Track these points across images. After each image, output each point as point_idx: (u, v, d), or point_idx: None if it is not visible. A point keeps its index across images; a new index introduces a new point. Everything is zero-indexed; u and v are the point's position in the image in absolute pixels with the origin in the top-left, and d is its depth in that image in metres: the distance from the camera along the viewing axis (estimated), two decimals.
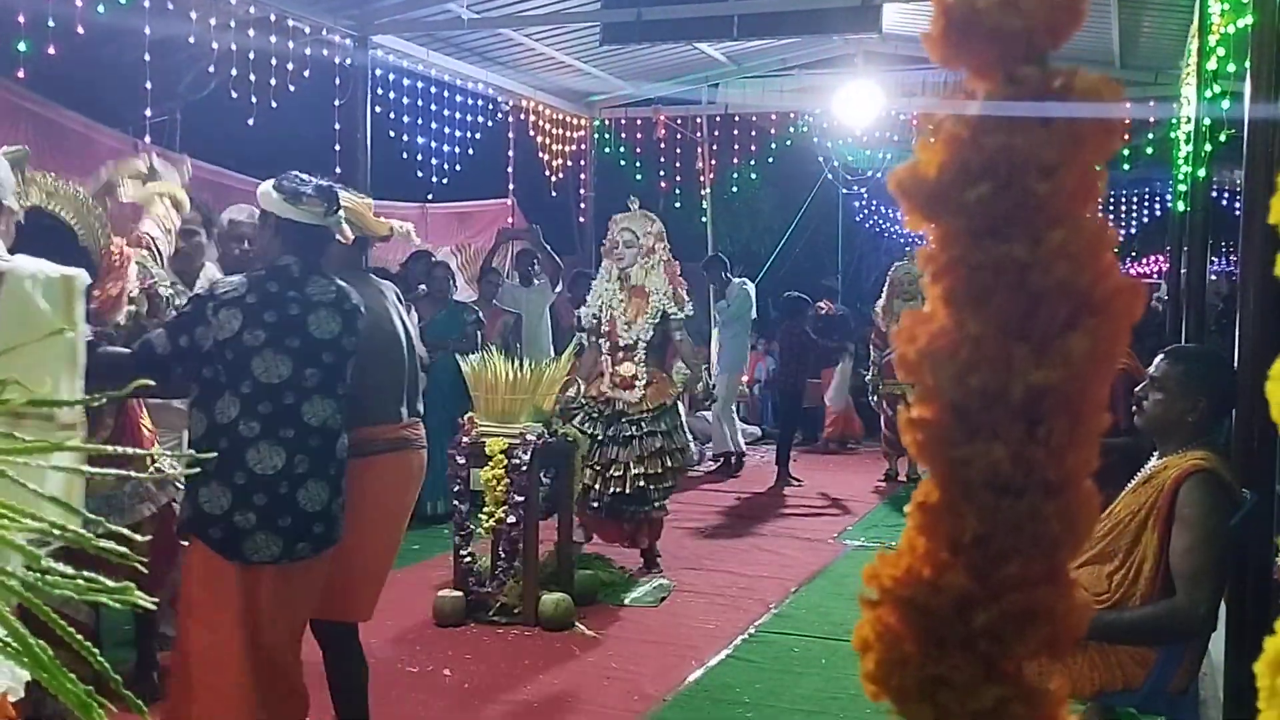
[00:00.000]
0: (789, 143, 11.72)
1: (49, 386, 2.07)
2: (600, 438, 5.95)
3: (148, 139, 7.77)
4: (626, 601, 5.65)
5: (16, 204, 2.64)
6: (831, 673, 4.68)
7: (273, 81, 7.86)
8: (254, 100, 7.81)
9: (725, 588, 5.97)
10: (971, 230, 0.65)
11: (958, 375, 0.63)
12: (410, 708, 4.15)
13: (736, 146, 11.80)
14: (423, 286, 8.13)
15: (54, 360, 2.19)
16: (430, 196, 10.34)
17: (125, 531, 1.05)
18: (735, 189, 12.21)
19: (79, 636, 0.98)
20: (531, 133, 11.13)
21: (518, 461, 5.18)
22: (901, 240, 17.30)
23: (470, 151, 10.19)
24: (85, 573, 1.00)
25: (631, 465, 5.88)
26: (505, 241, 9.35)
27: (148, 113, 7.69)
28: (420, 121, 9.64)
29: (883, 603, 0.65)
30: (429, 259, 8.65)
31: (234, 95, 7.80)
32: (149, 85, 7.56)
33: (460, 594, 5.24)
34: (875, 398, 9.58)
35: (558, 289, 9.11)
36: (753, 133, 11.68)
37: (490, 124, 10.55)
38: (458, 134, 10.08)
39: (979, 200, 0.65)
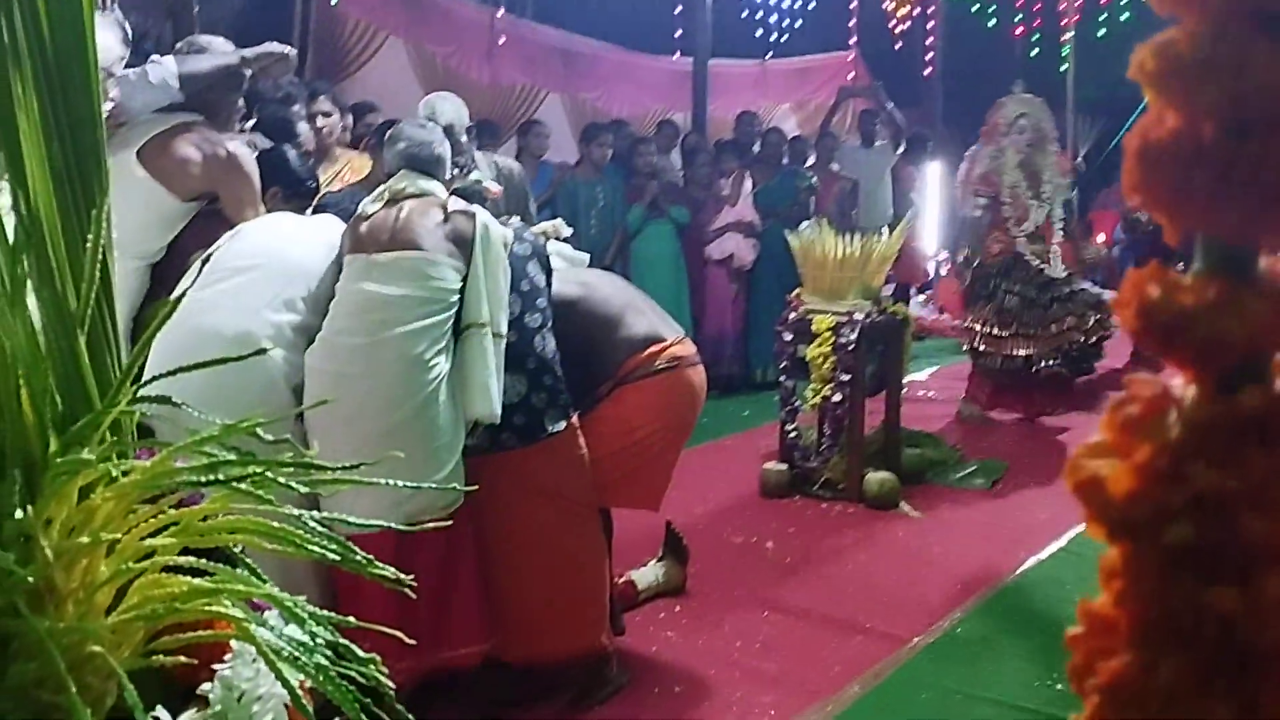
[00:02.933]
0: None
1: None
2: (1035, 298, 6.19)
3: (502, 11, 8.13)
4: (954, 481, 5.53)
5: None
6: None
7: None
8: None
9: (1062, 477, 5.68)
10: (1169, 564, 0.58)
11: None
12: (733, 576, 4.29)
13: None
14: (756, 147, 8.05)
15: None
16: (769, 54, 10.15)
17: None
18: (1103, 31, 11.00)
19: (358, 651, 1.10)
20: None
21: (844, 340, 5.13)
22: None
23: (811, 5, 9.86)
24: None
25: (1072, 322, 6.12)
26: (845, 100, 9.03)
27: None
28: None
29: None
30: (757, 120, 8.54)
31: None
32: None
33: (785, 467, 5.32)
34: None
35: (899, 150, 8.76)
36: None
37: None
38: None
39: (1179, 540, 0.57)
